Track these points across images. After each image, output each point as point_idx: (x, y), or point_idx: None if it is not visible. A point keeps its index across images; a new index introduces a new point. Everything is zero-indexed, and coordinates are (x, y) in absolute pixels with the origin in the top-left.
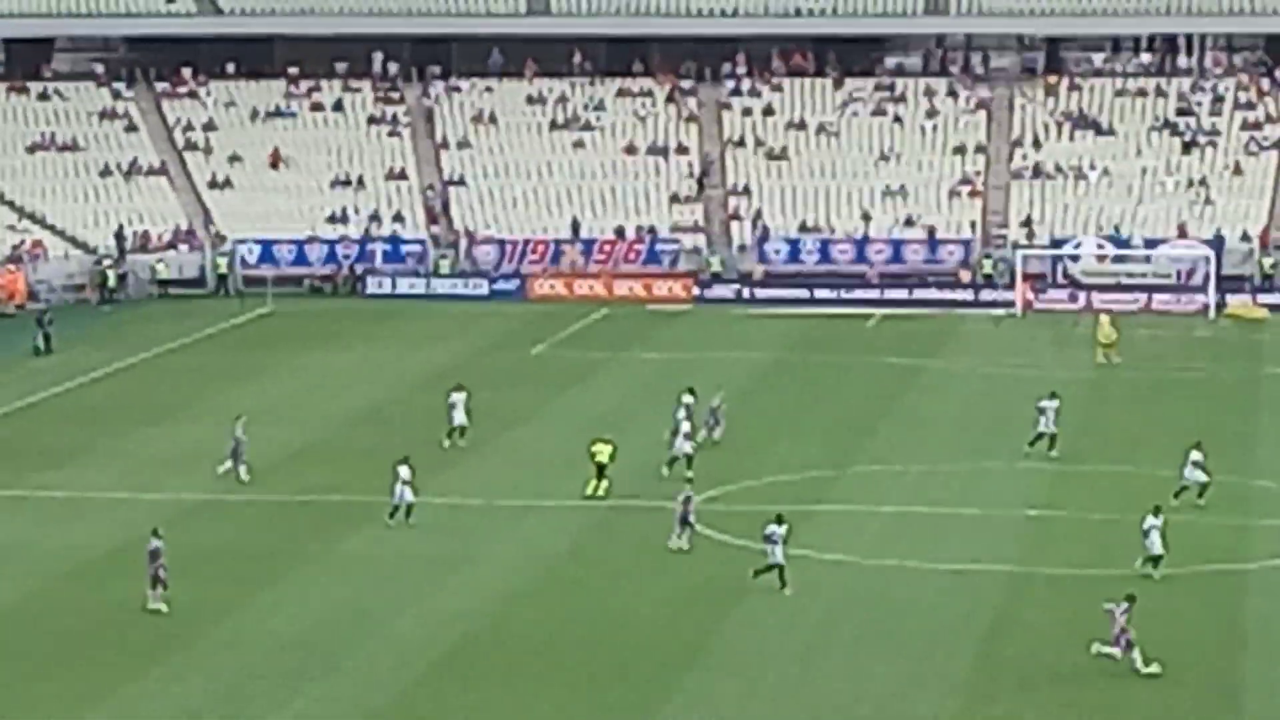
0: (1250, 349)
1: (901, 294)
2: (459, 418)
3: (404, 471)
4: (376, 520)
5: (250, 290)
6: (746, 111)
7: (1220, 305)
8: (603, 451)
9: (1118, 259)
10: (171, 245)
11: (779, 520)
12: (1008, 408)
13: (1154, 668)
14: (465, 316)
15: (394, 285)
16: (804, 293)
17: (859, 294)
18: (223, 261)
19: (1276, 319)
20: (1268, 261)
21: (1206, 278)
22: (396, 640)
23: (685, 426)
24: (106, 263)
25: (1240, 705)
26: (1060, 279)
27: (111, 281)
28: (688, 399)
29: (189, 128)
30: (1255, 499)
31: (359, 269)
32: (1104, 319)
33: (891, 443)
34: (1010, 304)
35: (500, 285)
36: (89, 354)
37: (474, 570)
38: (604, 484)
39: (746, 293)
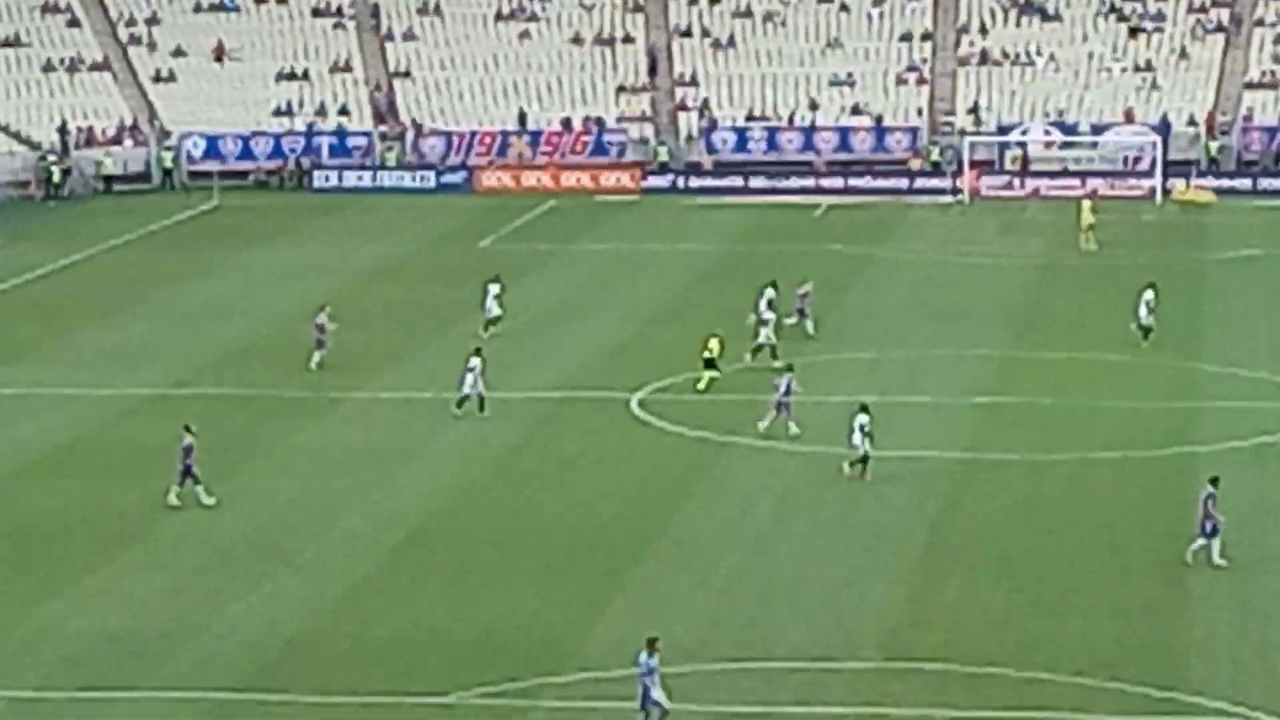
0: (1197, 233)
1: (850, 182)
2: (493, 309)
3: (475, 362)
4: (326, 415)
5: (196, 185)
6: (693, 0)
7: (1167, 190)
8: (714, 347)
9: (1065, 145)
10: (116, 140)
11: (864, 409)
12: (956, 295)
13: (1223, 562)
14: (412, 209)
15: (340, 179)
16: (752, 181)
17: (807, 182)
18: (168, 156)
19: (1223, 203)
20: (1214, 145)
21: (1153, 163)
22: (347, 535)
23: (769, 315)
24: (51, 159)
25: (1188, 588)
26: (1008, 165)
27: (56, 178)
28: (770, 292)
29: (132, 22)
30: (1203, 383)
31: (305, 163)
32: (1085, 204)
33: (840, 332)
34: (958, 191)
35: (447, 178)
36: (34, 250)
37: (424, 464)
38: (710, 375)
39: (694, 183)
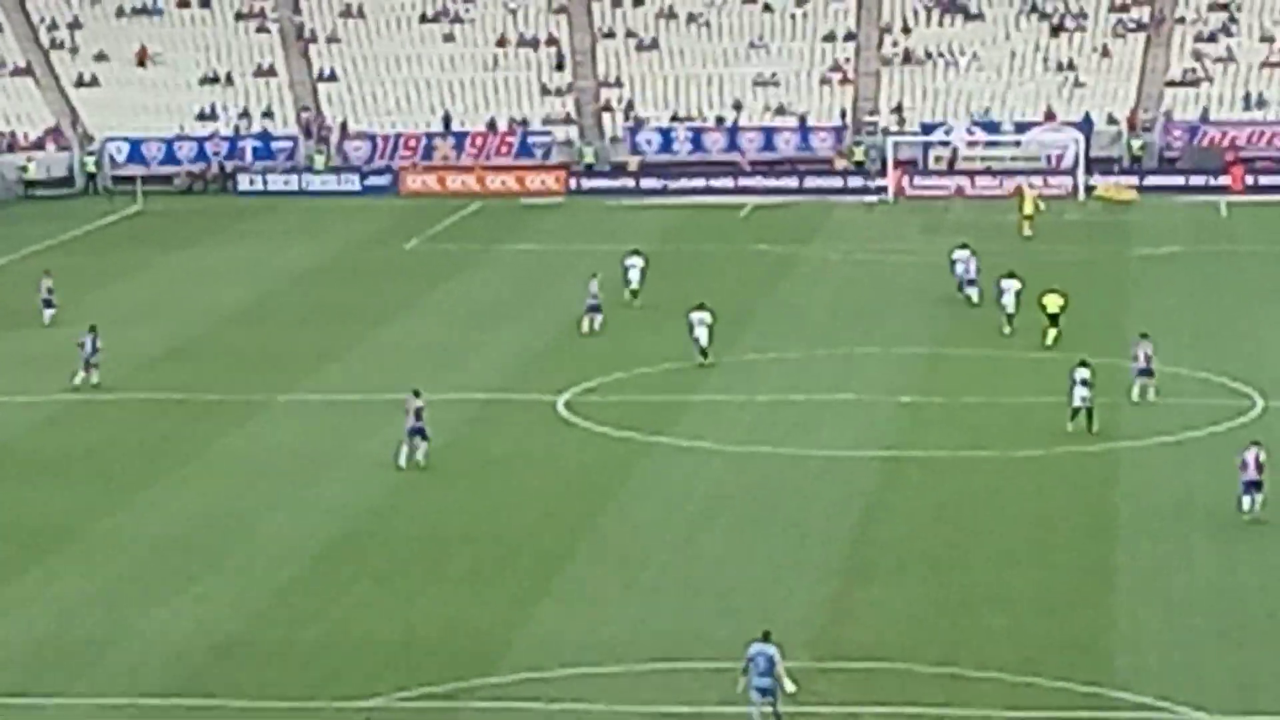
0: (1119, 230)
1: (774, 182)
2: (634, 280)
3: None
4: (252, 418)
5: (120, 189)
6: (616, 2)
7: (1089, 188)
8: (1052, 302)
9: (989, 144)
10: (39, 145)
11: (1084, 364)
12: (882, 294)
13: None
14: (338, 212)
15: (265, 182)
16: (677, 182)
17: (731, 182)
18: (91, 160)
19: (1145, 200)
20: (1136, 143)
21: (1076, 160)
22: (275, 538)
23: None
24: None
25: (1113, 584)
26: (931, 164)
27: None
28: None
29: (54, 26)
30: (1127, 378)
31: (229, 166)
32: (1027, 193)
33: (766, 331)
34: (883, 190)
35: (372, 180)
36: None
37: (351, 466)
38: (1055, 332)
39: (620, 184)
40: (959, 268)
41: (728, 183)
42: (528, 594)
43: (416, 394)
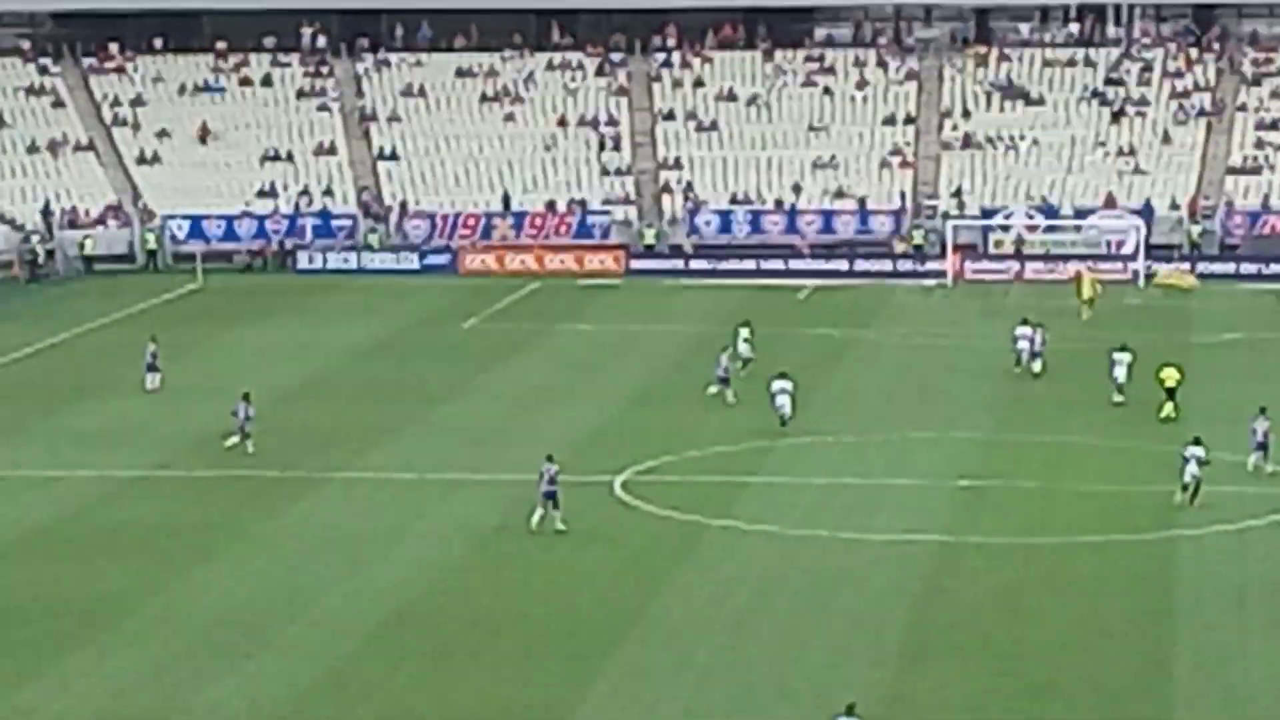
0: (1180, 317)
1: (833, 265)
2: (745, 350)
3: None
4: (308, 495)
5: (180, 266)
6: (677, 84)
7: (1150, 274)
8: (1170, 376)
9: (1048, 229)
10: (100, 221)
11: (1197, 441)
12: (939, 378)
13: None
14: (396, 290)
15: (324, 260)
16: (736, 264)
17: (791, 265)
18: (151, 237)
19: (1205, 287)
20: (1195, 230)
21: (1136, 247)
22: (328, 616)
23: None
24: (34, 239)
25: (1171, 674)
26: (991, 249)
27: (39, 258)
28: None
29: (116, 103)
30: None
31: (289, 244)
32: (1085, 277)
33: (823, 414)
34: (941, 274)
35: (431, 259)
36: (17, 331)
37: (405, 545)
38: (1172, 406)
39: (679, 264)
40: (1022, 343)
41: (787, 265)
42: (581, 675)
43: (550, 459)
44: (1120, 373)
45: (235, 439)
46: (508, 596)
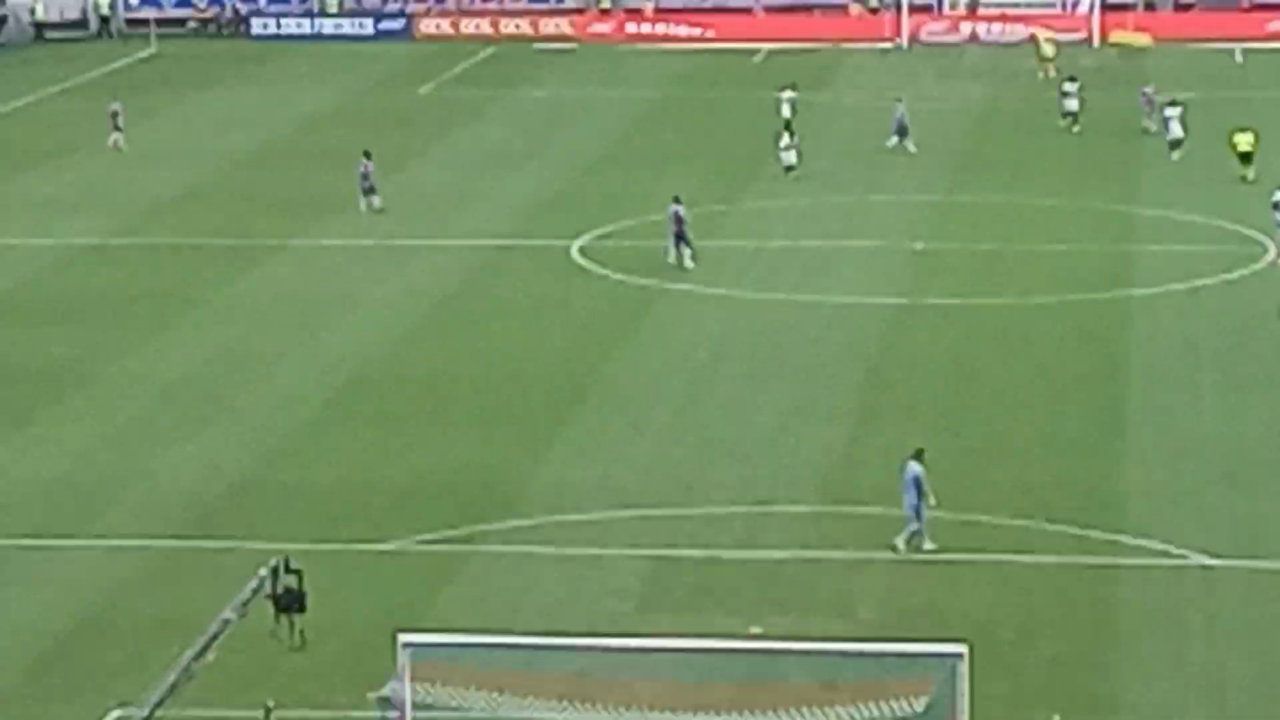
0: (1135, 76)
1: (789, 27)
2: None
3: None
4: (264, 262)
5: (133, 32)
6: None
7: (1104, 34)
8: (1244, 140)
9: None
10: None
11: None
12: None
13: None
14: (351, 56)
15: (279, 25)
16: (691, 29)
17: (747, 26)
18: (104, 3)
19: (1160, 46)
20: None
21: (1090, 5)
22: (287, 381)
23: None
24: None
25: (1123, 431)
26: (946, 8)
27: None
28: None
29: None
30: (1140, 227)
31: (243, 9)
32: (1042, 38)
33: (780, 177)
34: (897, 36)
35: (386, 24)
36: None
37: (363, 311)
38: (1251, 170)
39: (633, 28)
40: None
41: (742, 26)
42: (538, 439)
43: (677, 200)
44: (1175, 127)
45: (364, 201)
46: (465, 361)
